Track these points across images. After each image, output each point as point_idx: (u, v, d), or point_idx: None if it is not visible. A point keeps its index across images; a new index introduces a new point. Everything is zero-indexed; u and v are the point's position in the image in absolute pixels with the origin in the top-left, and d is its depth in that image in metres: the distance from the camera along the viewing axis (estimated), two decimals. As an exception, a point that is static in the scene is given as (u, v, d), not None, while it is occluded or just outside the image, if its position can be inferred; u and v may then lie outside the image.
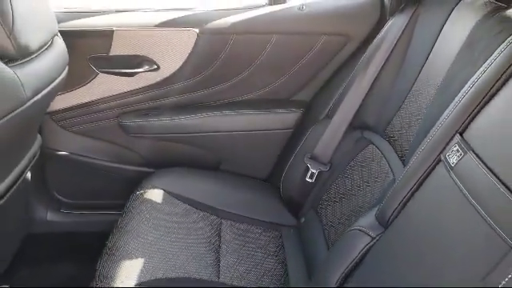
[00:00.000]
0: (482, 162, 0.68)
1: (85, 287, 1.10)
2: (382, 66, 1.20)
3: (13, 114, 0.92)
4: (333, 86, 1.46)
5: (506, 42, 0.77)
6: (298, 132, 1.50)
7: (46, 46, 1.10)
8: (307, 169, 1.30)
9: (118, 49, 1.38)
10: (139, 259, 1.09)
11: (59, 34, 1.21)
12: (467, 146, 0.72)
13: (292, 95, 1.55)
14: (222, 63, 1.43)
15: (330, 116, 1.33)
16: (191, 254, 1.15)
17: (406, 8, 1.20)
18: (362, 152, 1.19)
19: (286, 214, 1.38)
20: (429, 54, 1.06)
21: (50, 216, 1.62)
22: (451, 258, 0.68)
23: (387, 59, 1.20)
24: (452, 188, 0.71)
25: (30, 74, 0.99)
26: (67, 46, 1.23)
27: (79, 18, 1.37)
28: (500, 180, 0.63)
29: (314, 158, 1.30)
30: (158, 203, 1.28)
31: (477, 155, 0.69)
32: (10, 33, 0.90)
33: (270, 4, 1.45)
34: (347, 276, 0.91)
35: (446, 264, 0.69)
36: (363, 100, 1.24)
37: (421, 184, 0.82)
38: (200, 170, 1.51)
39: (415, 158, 0.85)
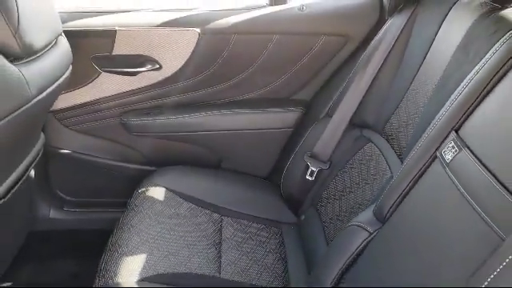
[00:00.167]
0: (477, 158, 0.69)
1: (87, 286, 1.11)
2: (381, 66, 1.22)
3: (18, 111, 0.94)
4: (332, 85, 1.47)
5: (501, 41, 0.78)
6: (298, 131, 1.51)
7: (50, 45, 1.11)
8: (307, 167, 1.32)
9: (120, 48, 1.40)
10: (141, 255, 1.10)
11: (63, 34, 1.23)
12: (462, 143, 0.74)
13: (292, 94, 1.56)
14: (223, 63, 1.44)
15: (329, 115, 1.35)
16: (193, 250, 1.16)
17: (405, 8, 1.21)
18: (361, 150, 1.21)
19: (287, 211, 1.40)
20: (426, 54, 1.07)
21: (53, 214, 1.63)
22: (446, 252, 0.70)
23: (386, 59, 1.21)
24: (447, 184, 0.73)
25: (35, 72, 1.00)
26: (71, 46, 1.24)
27: (82, 18, 1.38)
28: (494, 175, 0.65)
29: (313, 157, 1.32)
30: (160, 201, 1.29)
31: (471, 152, 0.71)
32: (16, 31, 0.91)
33: (271, 4, 1.46)
34: (345, 270, 0.92)
35: (441, 258, 0.70)
36: (362, 99, 1.25)
37: (417, 180, 0.84)
38: (201, 168, 1.52)
39: (412, 155, 0.86)
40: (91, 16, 1.40)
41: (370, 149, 1.18)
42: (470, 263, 0.63)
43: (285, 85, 1.53)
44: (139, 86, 1.48)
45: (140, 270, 1.06)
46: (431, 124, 0.85)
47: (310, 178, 1.32)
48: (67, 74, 1.20)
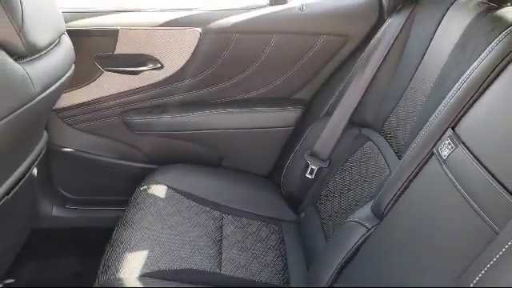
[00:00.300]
0: (472, 154, 0.70)
1: (88, 285, 1.12)
2: (380, 65, 1.23)
3: (22, 109, 0.95)
4: (332, 84, 1.48)
5: (497, 39, 0.79)
6: (298, 129, 1.52)
7: (53, 43, 1.13)
8: (307, 165, 1.33)
9: (122, 48, 1.41)
10: (143, 251, 1.12)
11: (66, 33, 1.24)
12: (458, 140, 0.75)
13: (293, 94, 1.58)
14: (224, 62, 1.46)
15: (329, 114, 1.36)
16: (194, 246, 1.18)
17: (403, 8, 1.23)
18: (361, 148, 1.22)
19: (287, 209, 1.41)
20: (425, 53, 1.08)
21: (55, 211, 1.64)
22: (442, 246, 0.71)
23: (385, 58, 1.22)
24: (444, 180, 0.74)
25: (39, 70, 1.01)
26: (73, 45, 1.26)
27: (85, 18, 1.40)
28: (489, 171, 0.66)
29: (313, 155, 1.33)
30: (162, 198, 1.31)
31: (467, 148, 0.72)
32: (20, 30, 0.92)
33: (272, 4, 1.47)
34: (344, 266, 0.93)
35: (437, 252, 0.71)
36: (362, 98, 1.26)
37: (414, 176, 0.85)
38: (202, 166, 1.54)
39: (409, 152, 0.88)
40: (94, 16, 1.41)
41: (369, 147, 1.19)
42: (465, 257, 0.64)
43: (285, 84, 1.54)
44: (141, 85, 1.49)
45: (142, 266, 1.08)
46: (428, 121, 0.86)
47: (309, 177, 1.33)
48: (70, 72, 1.22)
